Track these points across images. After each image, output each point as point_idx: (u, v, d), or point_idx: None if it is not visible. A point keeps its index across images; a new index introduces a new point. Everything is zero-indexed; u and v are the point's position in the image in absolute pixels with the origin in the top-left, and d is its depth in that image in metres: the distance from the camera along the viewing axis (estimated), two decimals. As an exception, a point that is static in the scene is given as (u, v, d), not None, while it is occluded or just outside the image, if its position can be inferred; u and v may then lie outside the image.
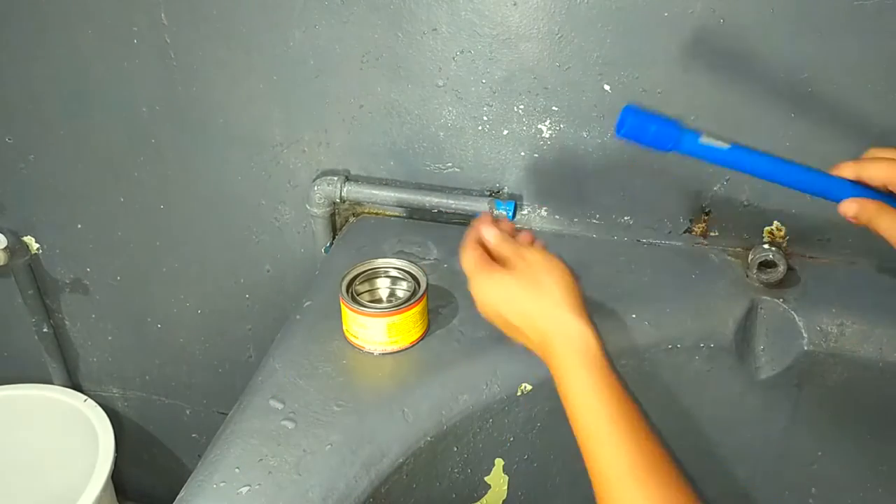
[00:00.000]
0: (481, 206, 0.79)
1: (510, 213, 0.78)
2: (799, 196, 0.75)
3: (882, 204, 0.57)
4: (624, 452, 0.52)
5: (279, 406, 0.60)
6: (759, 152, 0.60)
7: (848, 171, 0.58)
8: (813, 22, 0.66)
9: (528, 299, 0.58)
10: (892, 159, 0.57)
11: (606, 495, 0.52)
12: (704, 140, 0.60)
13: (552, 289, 0.58)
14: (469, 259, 0.61)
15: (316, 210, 0.85)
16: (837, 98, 0.70)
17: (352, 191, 0.83)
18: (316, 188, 0.83)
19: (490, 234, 0.63)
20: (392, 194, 0.82)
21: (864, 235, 0.75)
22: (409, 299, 0.64)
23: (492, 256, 0.62)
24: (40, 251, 1.05)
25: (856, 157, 0.73)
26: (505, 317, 0.59)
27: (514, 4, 0.72)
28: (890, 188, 0.57)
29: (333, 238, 0.88)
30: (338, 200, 0.84)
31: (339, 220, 0.89)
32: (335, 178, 0.83)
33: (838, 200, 0.59)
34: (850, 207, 0.57)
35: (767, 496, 0.75)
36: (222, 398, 1.13)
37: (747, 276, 0.72)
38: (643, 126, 0.59)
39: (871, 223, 0.57)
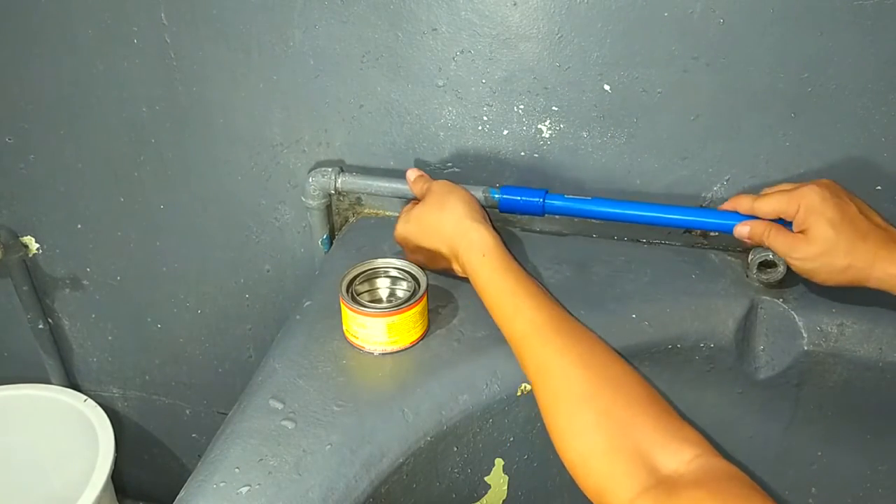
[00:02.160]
0: (476, 194, 0.78)
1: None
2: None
3: (770, 223, 0.66)
4: (529, 318, 0.60)
5: (279, 406, 0.60)
6: (619, 201, 0.73)
7: (744, 203, 0.68)
8: (813, 22, 0.66)
9: (436, 220, 0.69)
10: (782, 191, 0.65)
11: (526, 357, 0.59)
12: (569, 195, 0.74)
13: (455, 206, 0.68)
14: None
15: (311, 202, 0.84)
16: (837, 98, 0.70)
17: (346, 182, 0.82)
18: (311, 180, 0.83)
19: (410, 174, 0.76)
20: (386, 184, 0.81)
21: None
22: (408, 299, 0.64)
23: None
24: (40, 251, 1.05)
25: (853, 157, 0.73)
26: (423, 245, 0.70)
27: (514, 4, 0.72)
28: (782, 217, 0.65)
29: (331, 231, 0.88)
30: (332, 192, 0.83)
31: (337, 218, 0.89)
32: (329, 170, 0.83)
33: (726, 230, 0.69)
34: (743, 230, 0.67)
35: (767, 496, 0.75)
36: (222, 398, 1.13)
37: (747, 276, 0.72)
38: (513, 200, 0.75)
39: (764, 241, 0.66)
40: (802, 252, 0.63)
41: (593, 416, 0.52)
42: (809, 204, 0.62)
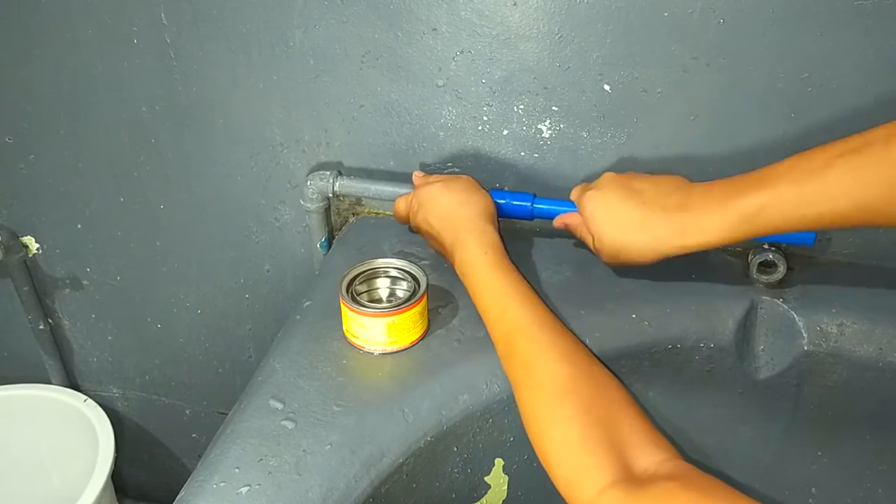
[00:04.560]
0: None
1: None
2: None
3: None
4: (517, 316, 0.60)
5: (279, 406, 0.60)
6: None
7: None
8: (813, 22, 0.66)
9: (453, 209, 0.70)
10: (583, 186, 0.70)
11: (510, 352, 0.59)
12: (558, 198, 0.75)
13: (477, 204, 0.70)
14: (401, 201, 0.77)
15: (309, 205, 0.84)
16: (837, 98, 0.70)
17: (344, 185, 0.83)
18: (309, 183, 0.83)
19: (417, 174, 0.78)
20: (385, 188, 0.81)
21: (865, 235, 0.76)
22: (408, 299, 0.64)
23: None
24: (40, 251, 1.05)
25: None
26: (429, 221, 0.71)
27: (514, 4, 0.72)
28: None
29: (330, 233, 0.88)
30: (331, 195, 0.83)
31: (337, 218, 0.89)
32: (327, 173, 0.83)
33: None
34: (559, 222, 0.73)
35: (767, 496, 0.75)
36: (222, 398, 1.13)
37: (747, 276, 0.72)
38: (500, 205, 0.75)
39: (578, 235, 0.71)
40: (598, 251, 0.67)
41: (572, 409, 0.53)
42: (583, 213, 0.67)
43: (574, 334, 0.62)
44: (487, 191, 0.74)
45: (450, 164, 0.82)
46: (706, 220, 0.59)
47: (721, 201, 0.58)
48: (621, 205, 0.63)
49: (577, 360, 0.57)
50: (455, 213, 0.69)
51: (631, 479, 0.48)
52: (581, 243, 0.79)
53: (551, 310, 0.63)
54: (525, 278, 0.65)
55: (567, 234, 0.82)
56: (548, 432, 0.53)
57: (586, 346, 0.61)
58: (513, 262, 0.66)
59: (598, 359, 0.60)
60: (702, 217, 0.59)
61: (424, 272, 0.67)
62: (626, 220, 0.63)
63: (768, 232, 0.58)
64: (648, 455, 0.50)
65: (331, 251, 0.84)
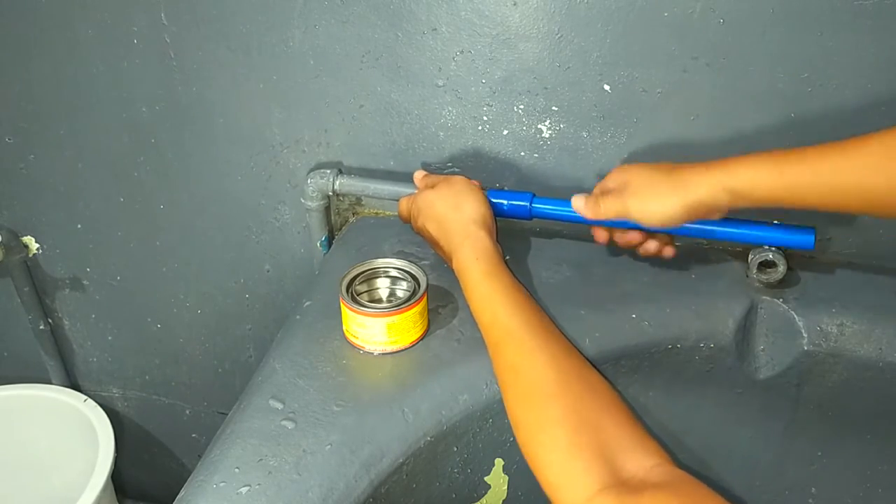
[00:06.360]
0: None
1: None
2: (799, 196, 0.75)
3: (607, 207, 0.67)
4: (506, 321, 0.60)
5: (279, 406, 0.60)
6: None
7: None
8: (813, 22, 0.66)
9: (445, 215, 0.69)
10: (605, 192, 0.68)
11: (499, 358, 0.59)
12: (557, 198, 0.74)
13: (467, 209, 0.69)
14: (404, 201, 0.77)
15: (310, 203, 0.84)
16: (837, 98, 0.70)
17: (345, 184, 0.83)
18: (309, 181, 0.83)
19: (418, 174, 0.77)
20: (385, 187, 0.81)
21: (865, 235, 0.76)
22: (408, 299, 0.64)
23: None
24: (40, 251, 1.05)
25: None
26: (428, 228, 0.71)
27: (514, 4, 0.72)
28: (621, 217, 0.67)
29: (330, 233, 0.88)
30: (331, 193, 0.83)
31: (337, 217, 0.89)
32: (328, 172, 0.83)
33: None
34: (602, 235, 0.71)
35: (767, 496, 0.75)
36: (222, 398, 1.13)
37: (747, 276, 0.72)
38: (498, 205, 0.74)
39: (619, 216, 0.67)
40: (639, 201, 0.64)
41: (560, 412, 0.52)
42: (616, 178, 0.67)
43: (566, 338, 0.62)
44: (485, 191, 0.74)
45: (450, 164, 0.82)
46: (698, 174, 0.62)
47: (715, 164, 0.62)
48: (649, 166, 0.66)
49: (566, 364, 0.57)
50: (448, 220, 0.69)
51: (620, 484, 0.47)
52: (576, 244, 0.79)
53: (546, 313, 0.63)
54: (518, 282, 0.64)
55: (566, 234, 0.82)
56: (536, 437, 0.52)
57: (578, 350, 0.61)
58: (507, 265, 0.66)
59: (591, 363, 0.60)
60: (695, 172, 0.63)
61: (424, 272, 0.67)
62: (656, 172, 0.65)
63: (753, 202, 0.60)
64: (638, 460, 0.49)
65: (331, 251, 0.84)
